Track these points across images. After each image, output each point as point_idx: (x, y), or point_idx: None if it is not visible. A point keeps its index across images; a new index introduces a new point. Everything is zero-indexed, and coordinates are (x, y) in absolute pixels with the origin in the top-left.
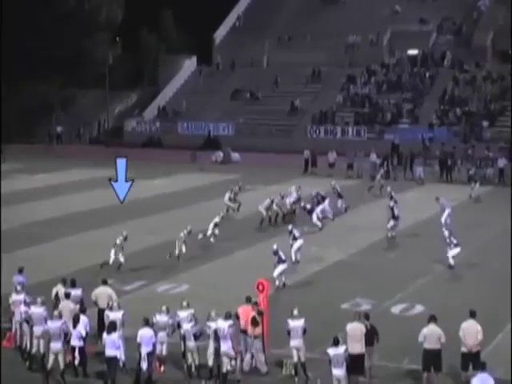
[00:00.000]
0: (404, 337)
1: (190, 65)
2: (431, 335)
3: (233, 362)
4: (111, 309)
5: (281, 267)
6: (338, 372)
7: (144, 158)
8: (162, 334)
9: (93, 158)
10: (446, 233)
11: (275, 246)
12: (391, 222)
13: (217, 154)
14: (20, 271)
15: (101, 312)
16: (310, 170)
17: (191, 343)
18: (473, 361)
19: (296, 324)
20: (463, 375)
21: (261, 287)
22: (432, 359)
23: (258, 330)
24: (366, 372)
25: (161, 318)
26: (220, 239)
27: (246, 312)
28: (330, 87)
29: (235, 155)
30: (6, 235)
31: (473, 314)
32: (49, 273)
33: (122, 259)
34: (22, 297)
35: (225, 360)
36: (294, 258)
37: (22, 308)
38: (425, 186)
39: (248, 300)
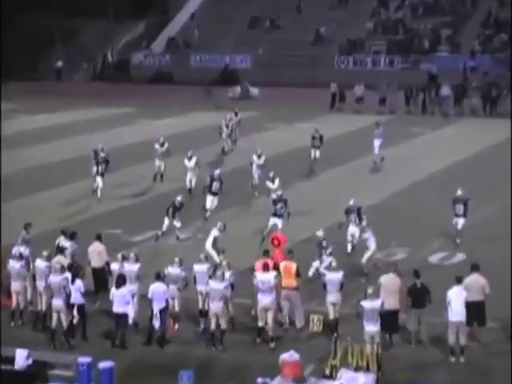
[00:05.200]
0: (444, 289)
1: None
2: (474, 286)
3: (270, 317)
4: (125, 258)
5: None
6: (372, 328)
7: (153, 94)
8: (172, 288)
9: (97, 96)
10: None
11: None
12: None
13: (234, 90)
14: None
15: (94, 271)
16: (337, 105)
17: (218, 304)
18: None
19: (334, 277)
20: None
21: (276, 242)
22: (475, 312)
23: (298, 282)
24: (412, 336)
25: (173, 270)
26: (239, 184)
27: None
28: (358, 12)
29: (254, 90)
30: (5, 181)
31: (476, 268)
32: (51, 223)
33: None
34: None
35: (264, 314)
36: None
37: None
38: (464, 122)
39: (266, 253)
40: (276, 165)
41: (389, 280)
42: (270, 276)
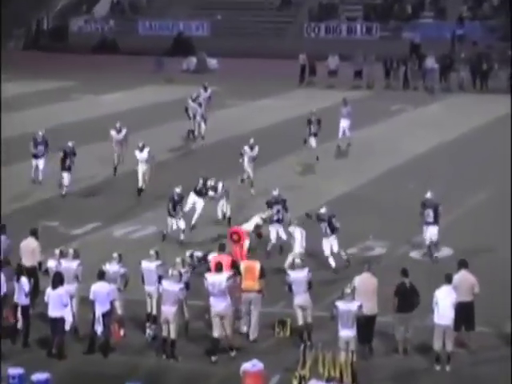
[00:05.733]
0: (428, 288)
1: None
2: (462, 285)
3: (227, 325)
4: (63, 255)
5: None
6: (348, 333)
7: (95, 66)
8: (112, 288)
9: (30, 68)
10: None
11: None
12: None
13: (189, 61)
14: None
15: (26, 271)
16: (307, 79)
17: (171, 308)
18: None
19: (299, 276)
20: None
21: (235, 237)
22: (463, 315)
23: (262, 285)
24: (399, 345)
25: (111, 267)
26: (191, 167)
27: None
28: None
29: (212, 62)
30: None
31: (464, 264)
32: None
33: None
34: None
35: (218, 322)
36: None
37: None
38: (451, 98)
39: (221, 248)
40: (237, 147)
41: (364, 281)
42: (222, 278)
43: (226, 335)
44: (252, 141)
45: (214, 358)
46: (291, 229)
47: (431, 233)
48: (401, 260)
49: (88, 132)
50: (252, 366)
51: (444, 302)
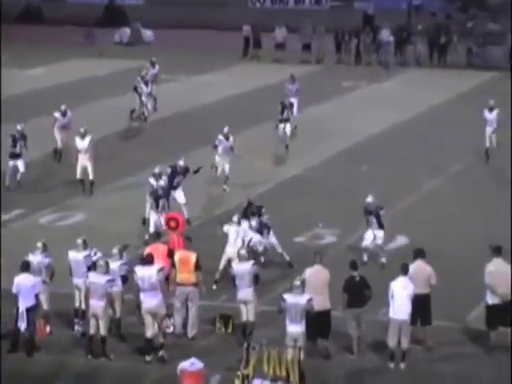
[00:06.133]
0: (382, 280)
1: None
2: (418, 276)
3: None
4: None
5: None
6: (296, 328)
7: (18, 37)
8: (37, 280)
9: None
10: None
11: None
12: None
13: (122, 32)
14: None
15: None
16: (251, 52)
17: (99, 302)
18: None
19: (242, 268)
20: (492, 335)
21: (173, 224)
22: (419, 308)
23: (198, 277)
24: (354, 344)
25: (35, 258)
26: (126, 150)
27: (157, 252)
28: None
29: (147, 33)
30: None
31: (420, 254)
32: None
33: None
34: None
35: (150, 319)
36: None
37: None
38: (408, 73)
39: (157, 236)
40: (173, 125)
41: (315, 273)
42: (152, 271)
43: (156, 331)
44: (226, 129)
45: (148, 358)
46: (226, 228)
47: (377, 236)
48: (352, 250)
49: (11, 111)
50: (190, 364)
51: (400, 295)
